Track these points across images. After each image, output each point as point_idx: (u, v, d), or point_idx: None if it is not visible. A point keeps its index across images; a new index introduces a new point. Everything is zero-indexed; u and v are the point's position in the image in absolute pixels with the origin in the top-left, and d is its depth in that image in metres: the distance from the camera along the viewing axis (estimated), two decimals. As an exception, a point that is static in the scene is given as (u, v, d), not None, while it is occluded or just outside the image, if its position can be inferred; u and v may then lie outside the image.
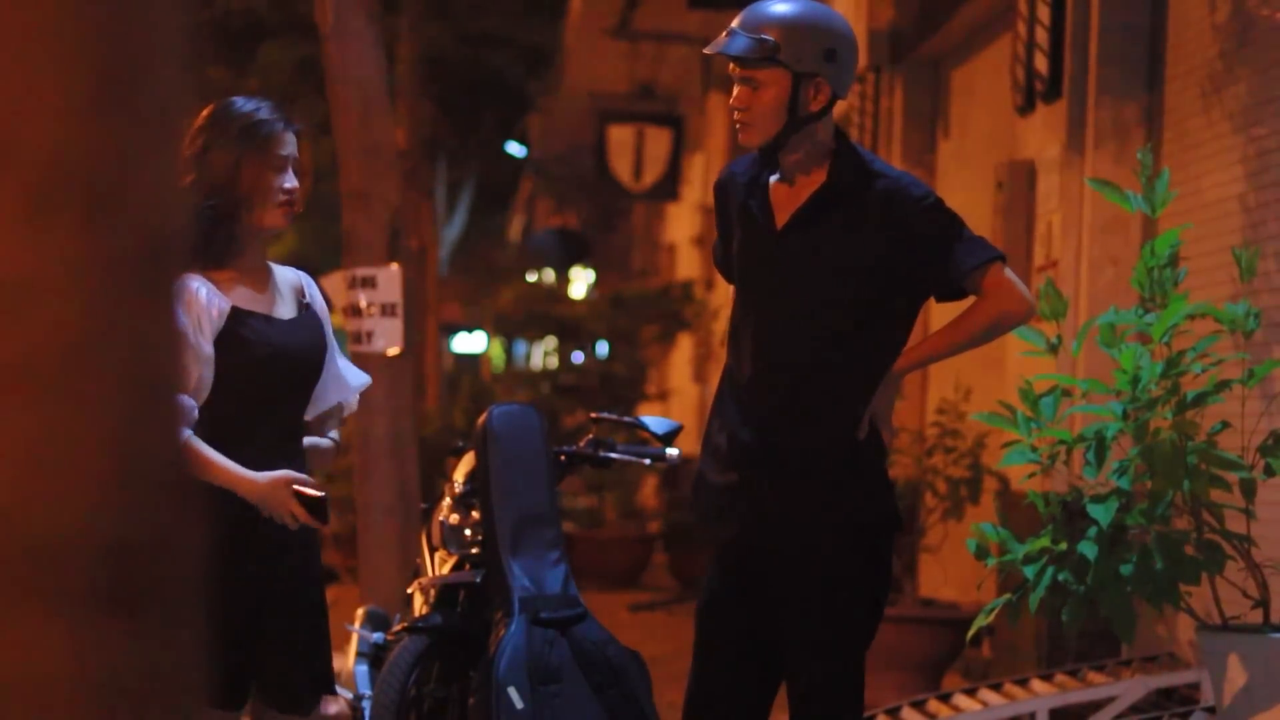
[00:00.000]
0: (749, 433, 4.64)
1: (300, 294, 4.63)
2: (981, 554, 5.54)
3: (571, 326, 17.32)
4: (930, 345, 4.70)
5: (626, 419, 6.36)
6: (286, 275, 4.63)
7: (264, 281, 4.54)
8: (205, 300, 4.37)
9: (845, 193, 4.60)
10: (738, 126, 4.63)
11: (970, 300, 4.66)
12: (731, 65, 4.62)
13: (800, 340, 4.62)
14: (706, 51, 4.66)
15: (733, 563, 4.70)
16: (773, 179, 4.69)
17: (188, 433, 4.24)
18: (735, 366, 4.71)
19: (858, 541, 4.62)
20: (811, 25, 4.56)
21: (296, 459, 4.54)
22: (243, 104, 4.50)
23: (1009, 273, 4.61)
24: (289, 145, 4.49)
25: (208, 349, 4.35)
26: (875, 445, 4.64)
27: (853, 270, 4.59)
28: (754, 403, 4.65)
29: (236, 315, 4.41)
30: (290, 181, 4.48)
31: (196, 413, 4.30)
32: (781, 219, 4.65)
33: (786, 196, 4.66)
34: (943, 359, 4.88)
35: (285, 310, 4.55)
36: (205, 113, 4.49)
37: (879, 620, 4.68)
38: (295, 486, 4.35)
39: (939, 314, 4.82)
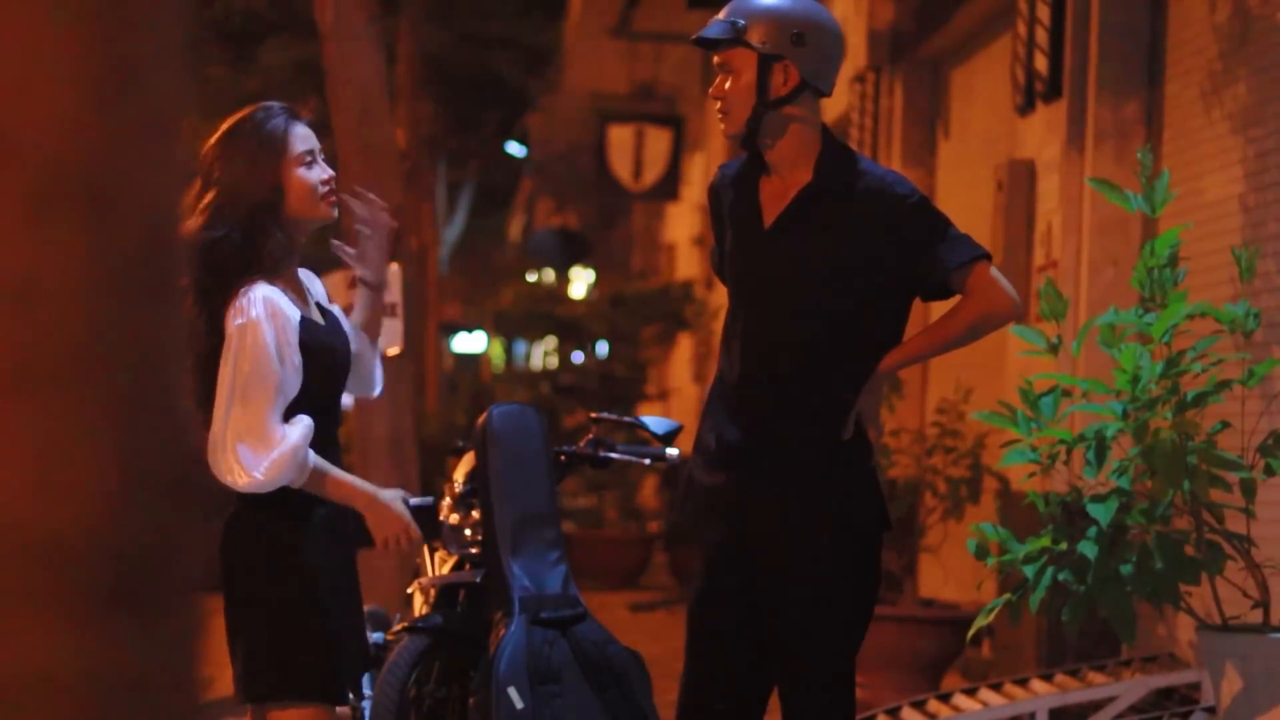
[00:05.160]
0: (737, 433, 4.64)
1: (310, 293, 4.66)
2: (981, 554, 5.54)
3: (571, 326, 17.31)
4: (916, 345, 4.69)
5: (626, 419, 6.36)
6: (302, 276, 4.66)
7: (301, 287, 4.58)
8: (288, 311, 4.40)
9: (831, 191, 4.62)
10: (719, 118, 4.69)
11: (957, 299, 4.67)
12: (714, 58, 4.69)
13: (787, 339, 4.63)
14: (690, 40, 4.79)
15: (721, 563, 4.70)
16: (762, 180, 4.71)
17: (311, 454, 4.36)
18: (726, 367, 4.72)
19: (846, 541, 4.61)
20: (780, 10, 4.64)
21: (338, 452, 4.61)
22: (251, 115, 4.50)
23: (995, 272, 4.61)
24: (310, 139, 4.52)
25: (298, 359, 4.39)
26: (862, 444, 4.64)
27: (839, 269, 4.60)
28: (742, 402, 4.65)
29: (303, 324, 4.45)
30: (325, 171, 4.52)
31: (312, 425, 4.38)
32: (769, 219, 4.67)
33: (774, 197, 4.68)
34: (929, 358, 4.86)
35: (314, 311, 4.58)
36: (219, 135, 4.48)
37: (869, 619, 4.68)
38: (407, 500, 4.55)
39: (939, 312, 4.80)
